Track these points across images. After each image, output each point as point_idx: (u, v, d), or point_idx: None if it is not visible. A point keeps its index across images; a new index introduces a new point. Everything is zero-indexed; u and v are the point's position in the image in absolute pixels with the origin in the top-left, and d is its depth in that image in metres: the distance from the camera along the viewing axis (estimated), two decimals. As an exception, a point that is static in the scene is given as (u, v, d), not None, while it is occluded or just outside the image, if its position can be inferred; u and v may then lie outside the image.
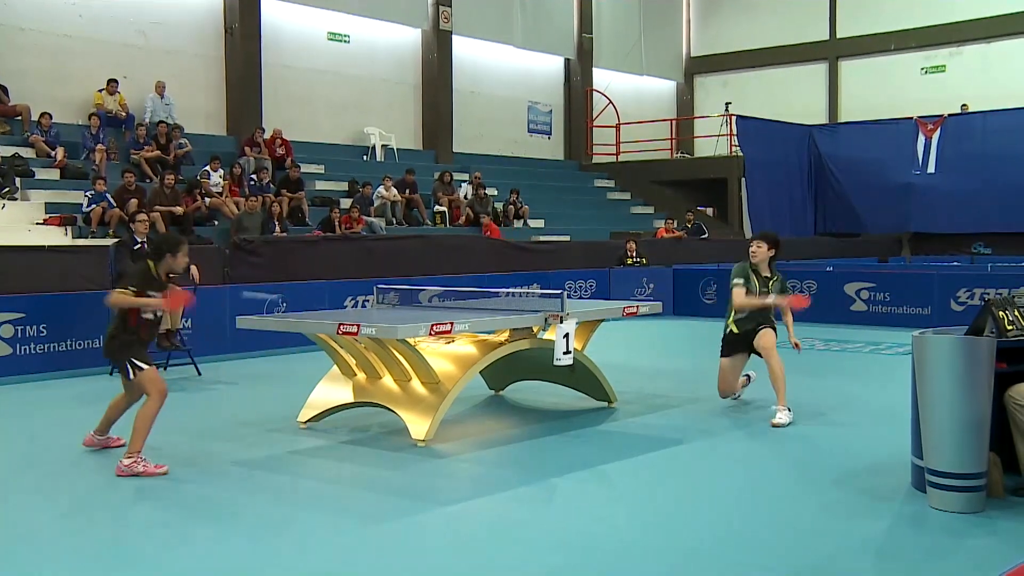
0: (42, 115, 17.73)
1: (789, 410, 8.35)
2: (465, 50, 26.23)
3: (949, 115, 26.02)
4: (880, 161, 26.33)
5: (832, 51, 31.33)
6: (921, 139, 26.13)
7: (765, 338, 8.77)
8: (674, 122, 31.55)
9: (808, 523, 5.63)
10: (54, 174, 16.88)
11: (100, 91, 18.90)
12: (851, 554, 5.11)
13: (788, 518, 5.72)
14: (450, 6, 25.39)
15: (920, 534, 5.48)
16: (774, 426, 8.18)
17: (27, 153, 16.97)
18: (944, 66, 29.25)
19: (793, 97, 31.00)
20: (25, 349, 11.21)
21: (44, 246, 13.46)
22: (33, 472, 7.01)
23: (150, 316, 7.08)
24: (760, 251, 8.85)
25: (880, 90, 29.77)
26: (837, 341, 13.65)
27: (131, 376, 6.93)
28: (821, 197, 27.97)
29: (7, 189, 15.66)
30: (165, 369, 11.26)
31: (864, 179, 26.77)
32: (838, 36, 31.17)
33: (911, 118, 26.38)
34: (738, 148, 26.60)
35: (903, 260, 25.14)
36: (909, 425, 6.16)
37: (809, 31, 31.32)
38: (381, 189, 19.89)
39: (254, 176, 18.48)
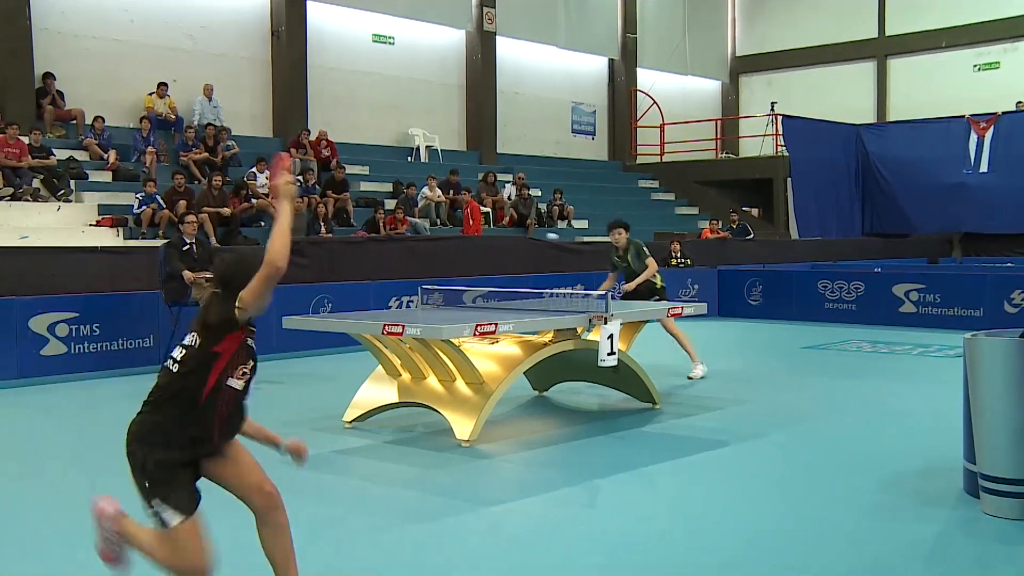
0: (95, 119, 17.97)
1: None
2: (509, 51, 26.24)
3: (1003, 113, 25.63)
4: (930, 160, 25.98)
5: (881, 49, 30.93)
6: (973, 138, 25.76)
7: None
8: (719, 122, 31.28)
9: (855, 526, 5.57)
10: (106, 176, 17.10)
11: (150, 95, 19.13)
12: (899, 559, 5.03)
13: (835, 521, 5.66)
14: (494, 7, 25.40)
15: (972, 540, 5.40)
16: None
17: (81, 156, 17.23)
18: (998, 63, 28.79)
19: (840, 96, 30.65)
20: (79, 348, 11.38)
21: (97, 247, 13.63)
22: (82, 469, 7.10)
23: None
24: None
25: (930, 88, 29.37)
26: (885, 343, 13.52)
27: (164, 525, 4.08)
28: (869, 197, 27.67)
29: (62, 191, 15.90)
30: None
31: (913, 179, 26.44)
32: (887, 34, 30.79)
33: (963, 116, 26.01)
34: (784, 148, 26.37)
35: (954, 261, 24.82)
36: (960, 428, 6.07)
37: (857, 29, 30.94)
38: (425, 190, 19.95)
39: (300, 177, 18.60)
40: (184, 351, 4.06)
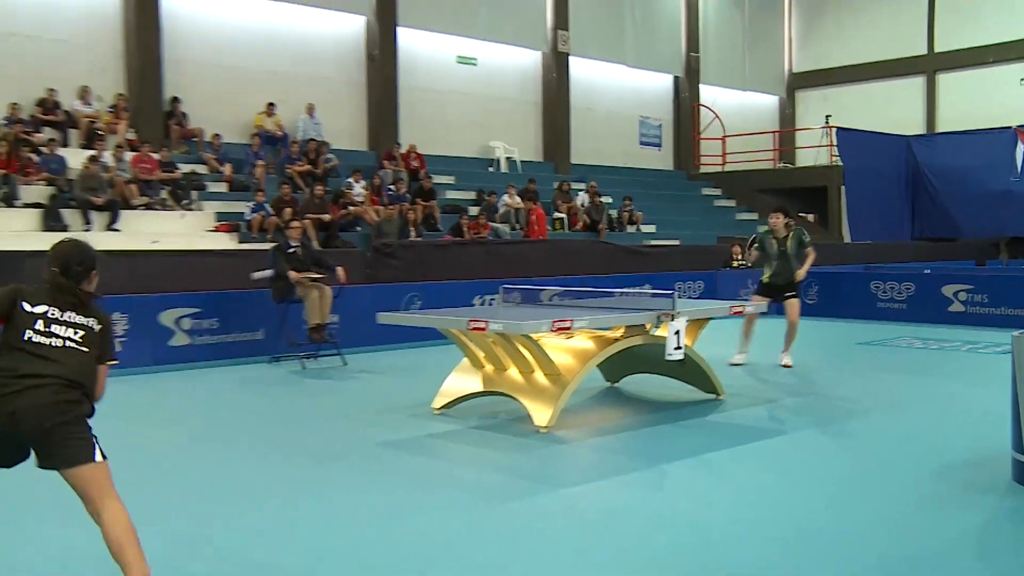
0: (213, 136, 18.37)
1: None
2: (581, 70, 26.20)
3: None
4: (978, 169, 25.41)
5: (930, 65, 30.32)
6: (1020, 147, 25.13)
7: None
8: (776, 134, 30.98)
9: (906, 514, 5.45)
10: (223, 187, 17.45)
11: (260, 114, 19.47)
12: (950, 547, 4.91)
13: (887, 509, 5.55)
14: (567, 29, 25.39)
15: (1021, 528, 5.26)
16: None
17: (201, 170, 17.63)
18: (1043, 77, 28.13)
19: (891, 109, 30.08)
20: (200, 339, 11.60)
21: (215, 250, 13.91)
22: (204, 446, 7.26)
23: None
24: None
25: (978, 101, 28.71)
26: (935, 340, 13.22)
27: (98, 457, 4.03)
28: (919, 204, 27.11)
29: (186, 201, 16.27)
30: (316, 359, 11.55)
31: (961, 186, 25.87)
32: (936, 51, 30.17)
33: (1010, 127, 25.37)
34: (838, 158, 25.98)
35: (1000, 263, 24.19)
36: (1008, 421, 5.92)
37: (907, 46, 30.37)
38: (505, 198, 20.00)
39: (392, 187, 18.78)
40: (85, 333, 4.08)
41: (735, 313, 9.22)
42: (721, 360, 9.48)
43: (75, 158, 15.85)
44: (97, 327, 4.14)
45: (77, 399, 4.01)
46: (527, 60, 25.22)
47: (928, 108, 30.50)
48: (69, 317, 4.07)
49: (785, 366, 10.68)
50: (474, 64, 24.07)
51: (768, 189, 27.60)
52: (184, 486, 6.12)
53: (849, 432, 7.72)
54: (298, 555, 4.77)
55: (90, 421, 4.07)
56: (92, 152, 15.76)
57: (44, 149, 15.74)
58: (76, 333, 4.06)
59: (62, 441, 3.90)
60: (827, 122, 27.39)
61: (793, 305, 10.76)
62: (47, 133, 16.51)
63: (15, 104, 16.39)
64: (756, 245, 10.95)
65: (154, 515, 5.44)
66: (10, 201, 14.44)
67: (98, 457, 4.02)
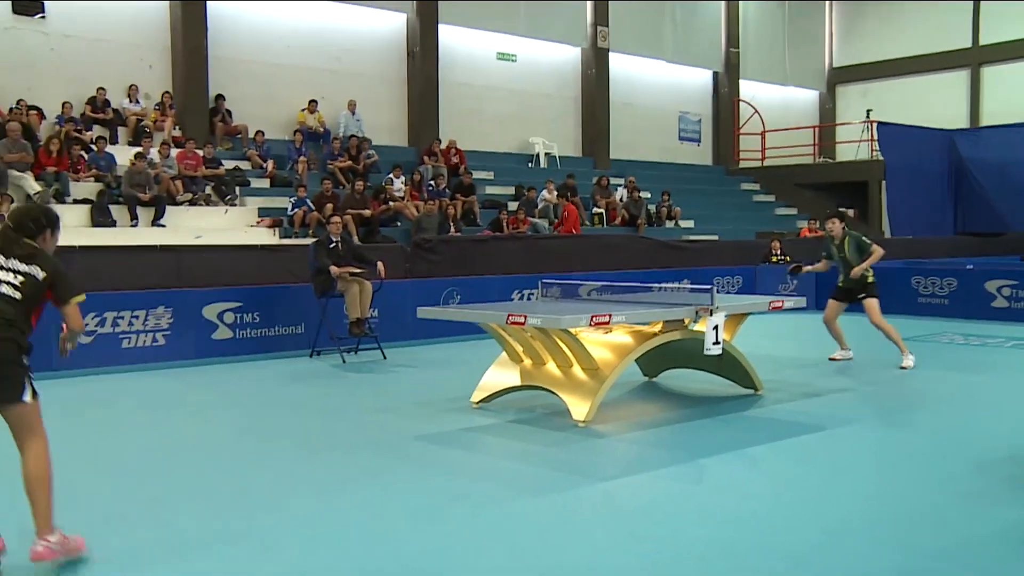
0: (256, 133, 18.52)
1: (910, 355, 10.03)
2: (620, 65, 26.11)
3: None
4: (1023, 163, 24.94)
5: (974, 58, 29.78)
6: None
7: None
8: (817, 129, 30.67)
9: (948, 508, 5.38)
10: (265, 183, 17.59)
11: (302, 110, 19.60)
12: (990, 540, 4.84)
13: (929, 502, 5.48)
14: (607, 25, 25.30)
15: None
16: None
17: (245, 166, 17.80)
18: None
19: (933, 104, 29.61)
20: (242, 333, 11.69)
21: (257, 245, 14.01)
22: (245, 438, 7.31)
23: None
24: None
25: (1024, 94, 28.22)
26: (977, 336, 13.02)
27: (26, 398, 4.39)
28: (961, 198, 26.61)
29: (229, 196, 16.41)
30: (356, 353, 11.60)
31: (1007, 180, 25.35)
32: (981, 43, 29.64)
33: None
34: (878, 153, 25.63)
35: (1047, 259, 23.77)
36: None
37: (951, 40, 29.86)
38: (544, 193, 19.97)
39: (432, 182, 18.81)
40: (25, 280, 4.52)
41: (774, 309, 9.13)
42: (760, 356, 9.38)
43: (123, 155, 16.05)
44: (41, 275, 4.50)
45: (10, 337, 4.35)
46: (566, 56, 25.17)
47: (972, 102, 29.98)
48: (13, 264, 4.48)
49: (903, 368, 10.15)
50: (514, 60, 24.06)
51: (808, 184, 27.38)
52: (225, 477, 6.17)
53: (889, 427, 7.64)
54: (337, 547, 4.79)
55: (25, 359, 4.45)
56: (139, 149, 15.94)
57: (94, 147, 15.95)
58: (16, 279, 4.45)
59: None
60: (868, 117, 27.07)
61: (869, 306, 10.38)
62: (97, 131, 16.74)
63: (66, 103, 16.64)
64: (824, 253, 10.73)
65: (196, 505, 5.49)
66: (61, 198, 14.64)
67: (27, 397, 4.39)
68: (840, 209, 24.92)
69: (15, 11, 16.85)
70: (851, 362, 10.71)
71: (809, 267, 10.94)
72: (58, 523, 4.49)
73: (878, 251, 10.29)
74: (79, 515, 5.29)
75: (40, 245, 4.60)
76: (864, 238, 10.45)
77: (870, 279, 10.39)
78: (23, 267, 4.48)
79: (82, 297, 4.67)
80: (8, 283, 4.42)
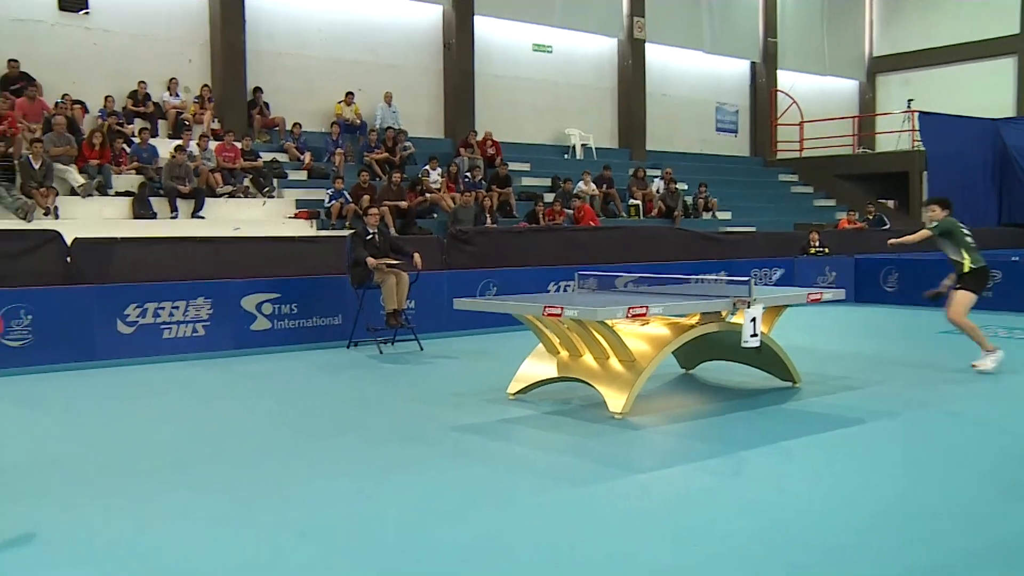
0: (294, 125, 18.64)
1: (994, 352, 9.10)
2: (657, 56, 25.98)
3: None
4: (1071, 151, 24.44)
5: (1022, 45, 29.06)
6: None
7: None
8: (856, 119, 30.33)
9: (987, 503, 5.30)
10: (302, 175, 17.71)
11: (339, 103, 19.69)
12: (1030, 536, 4.79)
13: (967, 496, 5.41)
14: (643, 16, 25.18)
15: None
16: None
17: (282, 158, 17.91)
18: None
19: (977, 93, 29.00)
20: (280, 324, 11.76)
21: (295, 237, 14.09)
22: (282, 428, 7.35)
23: None
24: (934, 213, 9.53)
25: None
26: (1020, 330, 12.82)
27: None
28: (1006, 188, 26.12)
29: (267, 189, 16.52)
30: (392, 344, 11.64)
31: None
32: (1030, 29, 29.01)
33: None
34: (919, 143, 25.30)
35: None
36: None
37: (996, 26, 29.18)
38: (581, 184, 19.94)
39: (468, 174, 18.83)
40: None
41: (812, 301, 9.03)
42: (798, 348, 9.29)
43: (163, 148, 16.21)
44: None
45: None
46: (602, 47, 25.07)
47: (1019, 90, 29.33)
48: None
49: (979, 370, 9.24)
50: (550, 52, 24.01)
51: (847, 175, 27.10)
52: (264, 467, 6.21)
53: (928, 421, 7.53)
54: (374, 535, 4.81)
55: None
56: (178, 142, 16.09)
57: (135, 139, 16.12)
58: None
59: None
60: (909, 106, 26.71)
61: (955, 299, 9.40)
62: (138, 124, 16.92)
63: (109, 97, 16.86)
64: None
65: (235, 493, 5.54)
66: (104, 190, 14.83)
67: None
68: (880, 200, 24.70)
69: (61, 7, 17.10)
70: (888, 355, 10.56)
71: (946, 281, 9.80)
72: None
73: (924, 232, 9.58)
74: (119, 500, 5.35)
75: None
76: (954, 229, 9.49)
77: (966, 268, 9.41)
78: None
79: None
80: None
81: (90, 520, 5.09)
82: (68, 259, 11.01)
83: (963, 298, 9.32)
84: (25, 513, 5.16)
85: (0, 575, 4.32)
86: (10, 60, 16.37)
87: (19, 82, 16.17)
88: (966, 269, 9.42)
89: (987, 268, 9.55)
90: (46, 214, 13.60)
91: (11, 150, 14.27)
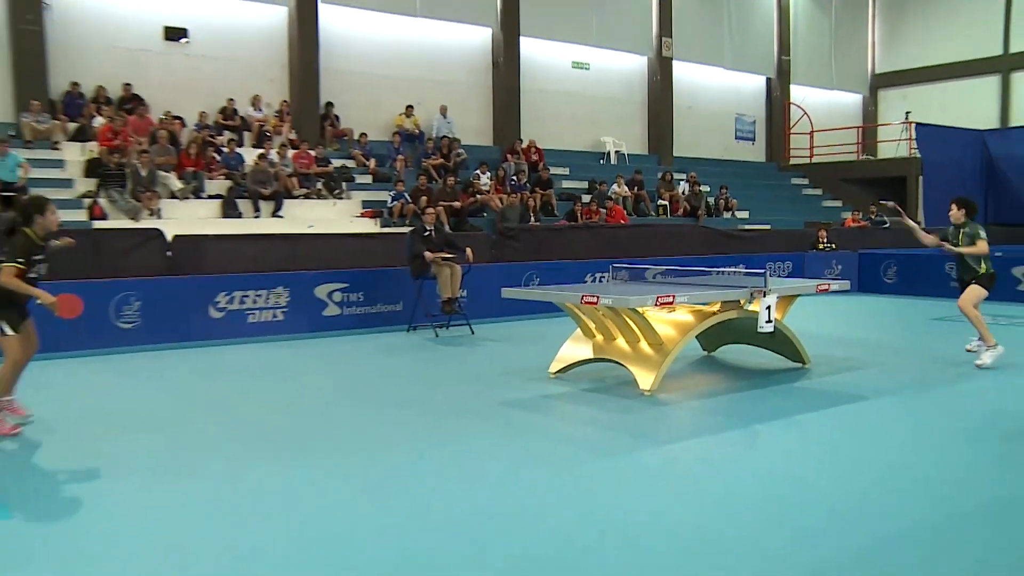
0: (360, 135, 18.70)
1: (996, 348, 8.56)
2: (683, 72, 25.72)
3: None
4: (1049, 160, 23.99)
5: (1005, 65, 28.61)
6: None
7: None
8: (860, 129, 29.88)
9: (976, 471, 5.25)
10: (368, 179, 17.76)
11: (400, 115, 19.72)
12: (1016, 499, 4.72)
13: (959, 465, 5.35)
14: (671, 36, 24.95)
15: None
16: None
17: (350, 164, 17.98)
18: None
19: (966, 107, 28.51)
20: (348, 310, 11.82)
21: (361, 233, 14.16)
22: (351, 401, 7.42)
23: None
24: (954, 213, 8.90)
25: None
26: (1004, 316, 12.57)
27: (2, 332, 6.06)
28: (992, 192, 25.62)
29: (337, 191, 16.62)
30: (447, 329, 11.66)
31: None
32: (1011, 51, 28.52)
33: None
34: (916, 151, 24.87)
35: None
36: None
37: (983, 48, 28.71)
38: (614, 187, 19.82)
39: (514, 177, 18.80)
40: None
41: (821, 291, 8.93)
42: (808, 334, 9.19)
43: (248, 156, 16.37)
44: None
45: None
46: (634, 64, 24.89)
47: (1002, 105, 28.88)
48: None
49: (979, 365, 8.60)
50: (587, 68, 23.88)
51: (852, 179, 26.75)
52: (333, 435, 6.27)
53: (925, 397, 7.43)
54: (432, 497, 4.84)
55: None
56: (261, 151, 16.23)
57: (224, 149, 16.29)
58: None
59: None
60: (907, 118, 26.29)
61: (967, 290, 8.77)
62: (227, 136, 17.09)
63: (203, 112, 17.07)
64: (944, 237, 9.12)
65: (307, 459, 5.59)
66: (197, 193, 15.01)
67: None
68: (881, 201, 24.26)
69: (166, 38, 17.50)
70: (888, 339, 10.39)
71: (912, 222, 9.29)
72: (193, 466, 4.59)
73: (981, 246, 8.67)
74: (214, 463, 5.43)
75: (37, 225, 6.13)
76: (980, 231, 8.77)
77: (983, 270, 8.75)
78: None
79: (15, 267, 5.95)
80: None
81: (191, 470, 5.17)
82: (168, 253, 11.16)
83: (975, 291, 8.72)
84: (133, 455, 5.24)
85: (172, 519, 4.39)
86: (124, 84, 16.72)
87: (131, 102, 16.47)
88: (982, 271, 8.78)
89: (996, 274, 8.93)
90: (151, 215, 13.79)
91: (123, 160, 14.51)
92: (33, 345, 6.43)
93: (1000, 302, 13.96)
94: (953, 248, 8.84)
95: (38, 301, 6.02)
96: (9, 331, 6.05)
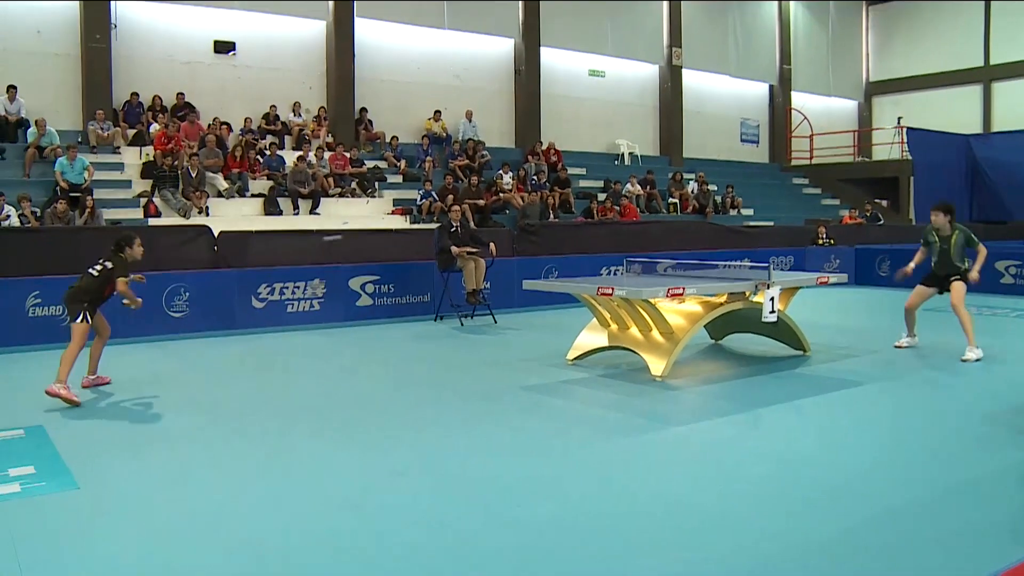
0: (392, 138, 18.71)
1: (977, 349, 8.26)
2: (692, 79, 25.55)
3: None
4: (1025, 163, 23.77)
5: (986, 75, 28.57)
6: None
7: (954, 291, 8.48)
8: (856, 133, 29.61)
9: (961, 450, 5.23)
10: (398, 179, 17.77)
11: (429, 119, 19.70)
12: (998, 476, 4.70)
13: (945, 445, 5.33)
14: (680, 47, 24.78)
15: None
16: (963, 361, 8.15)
17: (383, 165, 17.98)
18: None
19: (953, 113, 28.39)
20: (380, 301, 11.83)
21: (392, 229, 14.17)
22: (382, 385, 7.40)
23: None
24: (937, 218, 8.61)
25: (1028, 106, 27.01)
26: (988, 307, 12.41)
27: (79, 319, 6.73)
28: (975, 192, 25.39)
29: (370, 190, 16.64)
30: (472, 318, 11.63)
31: (1013, 177, 24.19)
32: (991, 63, 28.41)
33: None
34: (907, 153, 24.65)
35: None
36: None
37: (967, 60, 28.71)
38: (628, 186, 19.72)
39: (535, 177, 18.75)
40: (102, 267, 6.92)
41: (820, 283, 8.84)
42: (808, 323, 9.10)
43: (288, 158, 16.41)
44: (110, 265, 6.90)
45: (83, 289, 6.85)
46: (647, 72, 24.74)
47: (984, 112, 28.76)
48: (102, 261, 6.95)
49: (964, 360, 8.16)
50: (603, 76, 23.77)
51: (848, 179, 26.61)
52: (367, 415, 6.27)
53: (915, 383, 7.35)
54: (458, 473, 4.83)
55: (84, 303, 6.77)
56: (300, 153, 16.27)
57: (267, 152, 16.35)
58: (97, 268, 6.91)
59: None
60: (899, 123, 26.11)
61: (955, 288, 8.44)
62: (269, 139, 17.15)
63: (247, 118, 17.16)
64: (922, 241, 8.82)
65: (350, 437, 5.60)
66: (242, 192, 15.08)
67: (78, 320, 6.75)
68: (876, 199, 24.06)
69: (215, 51, 17.61)
70: (882, 329, 10.26)
71: (911, 264, 8.84)
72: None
73: (984, 251, 8.45)
74: (253, 442, 5.45)
75: (126, 254, 6.99)
76: (973, 235, 8.53)
77: (966, 266, 8.53)
78: (106, 263, 6.91)
79: (125, 278, 6.88)
80: (95, 268, 6.89)
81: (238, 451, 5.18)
82: (215, 248, 11.21)
83: (961, 288, 8.48)
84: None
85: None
86: (178, 93, 16.86)
87: (183, 110, 16.58)
88: (965, 267, 8.54)
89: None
90: (199, 212, 13.87)
91: (176, 163, 14.60)
92: (107, 331, 7.23)
93: (984, 294, 13.84)
94: (974, 274, 8.42)
95: (131, 305, 7.01)
96: (84, 321, 6.79)
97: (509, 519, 4.11)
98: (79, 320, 6.74)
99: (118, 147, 15.44)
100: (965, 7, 28.80)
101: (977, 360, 8.23)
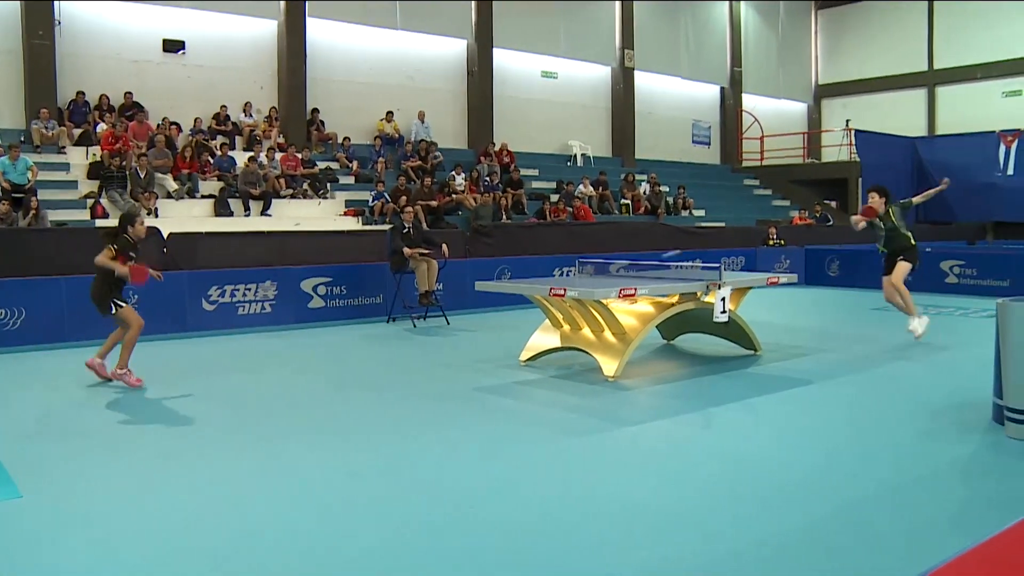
0: (344, 139, 18.55)
1: (920, 317, 8.79)
2: (643, 81, 25.75)
3: None
4: (969, 166, 24.25)
5: (930, 79, 29.42)
6: (1002, 148, 24.04)
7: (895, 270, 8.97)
8: (805, 135, 30.12)
9: (908, 446, 5.33)
10: (350, 180, 17.63)
11: (381, 120, 19.59)
12: (943, 471, 4.81)
13: (893, 441, 5.42)
14: (632, 48, 24.98)
15: (999, 457, 5.08)
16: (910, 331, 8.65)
17: (334, 166, 17.82)
18: (1021, 91, 27.24)
19: (899, 116, 29.13)
20: (332, 303, 11.75)
21: (344, 230, 14.06)
22: (334, 387, 7.34)
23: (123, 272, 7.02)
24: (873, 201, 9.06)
25: (969, 110, 27.85)
26: (934, 306, 12.72)
27: (113, 311, 7.01)
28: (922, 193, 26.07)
29: (322, 191, 16.48)
30: (424, 319, 11.59)
31: (956, 179, 24.64)
32: (935, 68, 29.25)
33: (994, 132, 24.35)
34: (856, 155, 25.16)
35: (987, 243, 23.34)
36: (991, 372, 5.75)
37: (912, 64, 29.54)
38: (581, 187, 19.81)
39: (487, 178, 18.74)
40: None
41: (771, 283, 8.98)
42: (759, 323, 9.23)
43: (239, 159, 16.18)
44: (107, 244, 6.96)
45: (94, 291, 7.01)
46: (599, 74, 24.88)
47: (929, 115, 29.58)
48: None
49: (910, 330, 8.99)
50: (555, 77, 23.85)
51: (798, 180, 27.03)
52: (322, 419, 6.22)
53: (863, 381, 7.49)
54: (413, 476, 4.81)
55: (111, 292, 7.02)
56: (251, 154, 16.06)
57: (217, 152, 16.10)
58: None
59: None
60: (847, 125, 26.61)
61: (898, 267, 9.03)
62: (219, 140, 16.89)
63: (197, 118, 16.89)
64: (865, 225, 9.23)
65: (300, 439, 5.54)
66: (192, 193, 14.83)
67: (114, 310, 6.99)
68: (825, 200, 24.51)
69: (164, 49, 17.34)
70: (831, 328, 10.46)
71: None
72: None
73: (920, 197, 9.53)
74: (204, 447, 5.36)
75: (129, 233, 7.13)
76: (903, 200, 9.28)
77: (912, 242, 9.07)
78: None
79: (110, 251, 6.97)
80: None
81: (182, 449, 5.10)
82: (165, 250, 11.02)
83: (905, 267, 9.06)
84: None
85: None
86: (126, 92, 16.50)
87: (132, 109, 16.25)
88: (912, 242, 9.17)
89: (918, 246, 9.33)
90: (149, 214, 13.61)
91: (124, 163, 14.31)
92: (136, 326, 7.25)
93: (929, 293, 14.21)
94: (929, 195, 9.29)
95: (116, 272, 6.93)
96: (123, 304, 6.99)
97: (465, 520, 4.10)
98: (114, 310, 6.91)
99: (63, 147, 15.08)
100: (910, 12, 29.55)
101: (923, 332, 8.82)
